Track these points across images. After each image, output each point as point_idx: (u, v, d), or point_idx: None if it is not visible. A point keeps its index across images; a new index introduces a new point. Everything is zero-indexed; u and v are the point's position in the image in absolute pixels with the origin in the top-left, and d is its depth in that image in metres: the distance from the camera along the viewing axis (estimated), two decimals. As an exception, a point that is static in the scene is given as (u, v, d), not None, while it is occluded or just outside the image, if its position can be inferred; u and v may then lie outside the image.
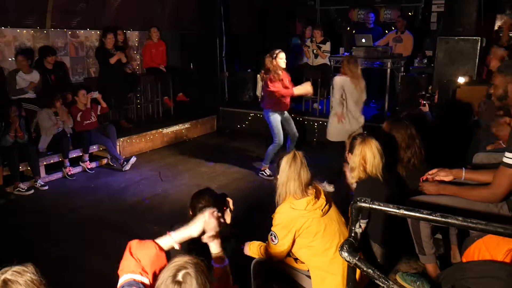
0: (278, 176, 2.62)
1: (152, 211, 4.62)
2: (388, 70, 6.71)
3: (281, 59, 5.24)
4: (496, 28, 7.14)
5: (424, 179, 2.93)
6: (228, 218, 2.88)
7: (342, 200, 3.43)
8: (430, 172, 2.94)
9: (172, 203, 4.79)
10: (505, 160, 2.42)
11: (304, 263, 2.67)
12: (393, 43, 7.70)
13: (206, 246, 2.02)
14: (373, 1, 9.10)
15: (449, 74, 5.62)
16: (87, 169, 5.81)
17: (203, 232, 1.96)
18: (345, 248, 1.90)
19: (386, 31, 8.25)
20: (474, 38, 5.55)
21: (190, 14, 8.45)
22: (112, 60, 6.62)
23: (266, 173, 5.50)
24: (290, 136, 5.54)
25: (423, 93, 5.36)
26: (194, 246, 2.12)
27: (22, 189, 5.04)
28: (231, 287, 2.03)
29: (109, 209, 4.68)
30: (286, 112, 5.51)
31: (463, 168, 2.86)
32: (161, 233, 1.97)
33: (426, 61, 7.38)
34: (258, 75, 5.83)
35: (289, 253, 2.68)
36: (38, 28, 6.52)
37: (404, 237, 3.02)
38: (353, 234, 1.99)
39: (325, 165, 4.92)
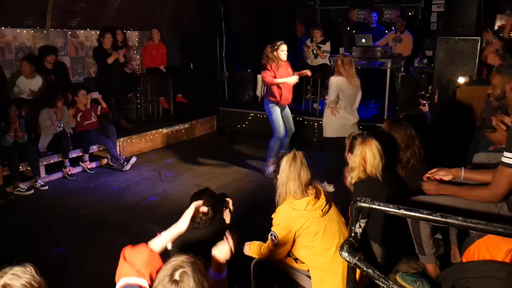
0: (278, 176, 2.62)
1: (152, 211, 4.62)
2: (388, 70, 6.70)
3: (282, 51, 5.27)
4: (496, 28, 7.14)
5: (425, 179, 2.94)
6: (227, 218, 2.89)
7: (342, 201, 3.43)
8: (429, 172, 2.94)
9: (172, 203, 4.78)
10: (504, 159, 2.42)
11: (304, 263, 2.66)
12: (392, 43, 7.70)
13: (204, 248, 2.02)
14: (373, 1, 9.10)
15: (449, 74, 5.61)
16: (87, 169, 5.82)
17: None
18: (345, 248, 1.90)
19: (387, 31, 8.25)
20: (474, 38, 5.55)
21: (190, 14, 8.45)
22: (109, 60, 6.62)
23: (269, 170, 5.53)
24: (287, 130, 5.58)
25: (423, 92, 5.36)
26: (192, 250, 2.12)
27: (22, 189, 5.04)
28: None
29: (109, 209, 4.68)
30: (287, 107, 5.56)
31: (462, 168, 2.86)
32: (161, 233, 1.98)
33: (426, 61, 7.38)
34: (259, 75, 5.84)
35: (289, 253, 2.68)
36: (38, 28, 6.53)
37: (404, 237, 3.02)
38: (353, 234, 1.99)
39: (325, 165, 4.93)
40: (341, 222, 2.69)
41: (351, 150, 3.04)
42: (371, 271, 1.84)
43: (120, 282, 1.73)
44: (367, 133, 3.28)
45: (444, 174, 2.87)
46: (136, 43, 8.13)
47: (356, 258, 1.87)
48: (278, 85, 5.33)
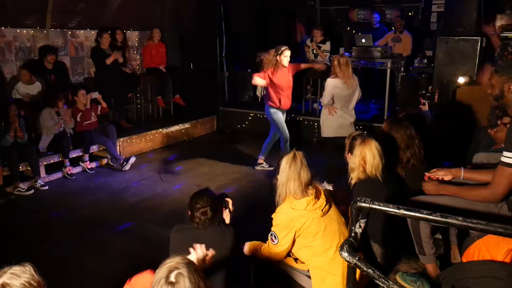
0: (278, 176, 2.62)
1: (152, 211, 4.62)
2: (388, 70, 6.70)
3: (286, 56, 5.27)
4: (496, 28, 7.14)
5: (426, 178, 2.93)
6: (227, 218, 2.89)
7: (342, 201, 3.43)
8: (430, 172, 2.94)
9: (172, 203, 4.79)
10: (503, 159, 2.42)
11: (304, 263, 2.67)
12: (392, 43, 7.70)
13: None
14: (373, 1, 9.10)
15: (449, 74, 5.60)
16: (87, 169, 5.82)
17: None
18: (345, 248, 1.90)
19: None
20: (474, 38, 5.54)
21: (190, 14, 8.45)
22: (109, 61, 6.62)
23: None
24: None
25: (424, 92, 5.36)
26: None
27: (22, 189, 5.04)
28: None
29: (109, 209, 4.68)
30: (285, 112, 5.60)
31: (462, 168, 2.87)
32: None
33: (426, 61, 7.38)
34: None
35: (289, 253, 2.68)
36: (38, 28, 6.52)
37: (404, 237, 3.02)
38: (353, 234, 1.99)
39: (324, 165, 4.93)
40: (341, 222, 2.69)
41: (350, 151, 3.04)
42: (371, 271, 1.83)
43: None
44: (367, 133, 3.28)
45: (444, 174, 2.87)
46: (136, 43, 8.13)
47: (356, 258, 1.87)
48: (275, 90, 5.35)
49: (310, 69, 7.75)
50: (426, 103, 4.68)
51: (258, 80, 5.37)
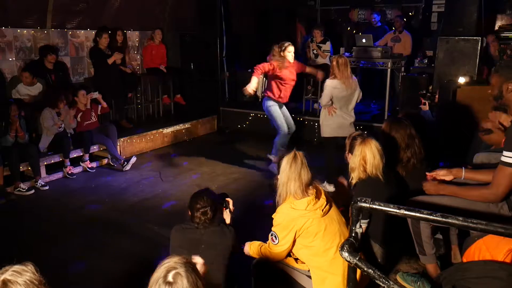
0: (279, 176, 2.62)
1: (153, 211, 4.62)
2: (389, 70, 6.70)
3: (289, 52, 5.27)
4: (496, 28, 7.14)
5: (429, 178, 2.93)
6: (227, 218, 2.89)
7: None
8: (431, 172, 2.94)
9: (172, 203, 4.78)
10: (503, 159, 2.42)
11: (304, 263, 2.66)
12: (391, 43, 7.70)
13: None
14: (373, 1, 9.09)
15: (450, 74, 5.61)
16: (87, 169, 5.82)
17: None
18: (345, 248, 1.90)
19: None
20: (475, 38, 5.54)
21: (190, 14, 8.45)
22: (110, 61, 6.62)
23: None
24: (288, 127, 5.58)
25: (424, 92, 5.35)
26: None
27: (22, 189, 5.04)
28: None
29: (110, 209, 4.68)
30: (284, 105, 5.58)
31: (463, 168, 2.86)
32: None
33: (426, 61, 7.39)
34: (260, 76, 5.86)
35: (289, 253, 2.68)
36: (38, 28, 6.52)
37: (404, 237, 3.02)
38: (353, 234, 1.98)
39: (324, 165, 4.93)
40: (342, 222, 2.69)
41: (351, 151, 3.04)
42: (372, 271, 1.83)
43: None
44: (367, 133, 3.28)
45: (445, 174, 2.87)
46: (136, 43, 8.13)
47: (357, 258, 1.87)
48: (278, 82, 5.33)
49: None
50: (427, 103, 4.68)
51: (261, 67, 5.26)
